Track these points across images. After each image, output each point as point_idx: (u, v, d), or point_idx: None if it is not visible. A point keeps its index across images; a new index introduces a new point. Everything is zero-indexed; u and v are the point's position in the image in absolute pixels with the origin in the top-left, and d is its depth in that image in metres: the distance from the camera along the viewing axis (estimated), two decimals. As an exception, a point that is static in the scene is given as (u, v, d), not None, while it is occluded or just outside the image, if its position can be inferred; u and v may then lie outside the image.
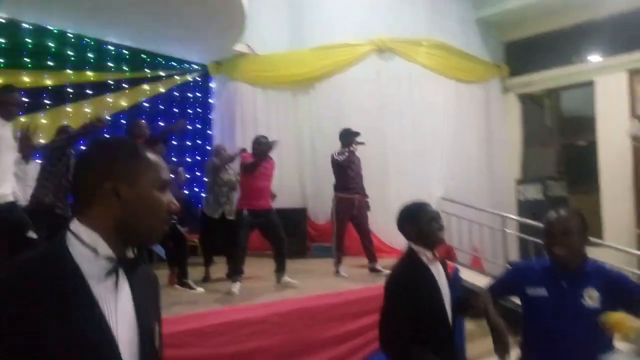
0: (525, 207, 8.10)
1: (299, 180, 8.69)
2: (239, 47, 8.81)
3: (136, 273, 1.14)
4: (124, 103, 8.59)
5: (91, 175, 1.10)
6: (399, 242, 7.95)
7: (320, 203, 8.48)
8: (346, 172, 5.97)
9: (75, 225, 1.08)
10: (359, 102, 8.21)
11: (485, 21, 9.53)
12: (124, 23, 7.66)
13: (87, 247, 1.05)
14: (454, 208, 7.82)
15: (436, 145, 8.38)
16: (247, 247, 4.96)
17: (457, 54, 8.93)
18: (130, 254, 1.13)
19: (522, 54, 9.81)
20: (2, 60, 7.26)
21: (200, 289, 4.40)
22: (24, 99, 6.13)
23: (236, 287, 4.59)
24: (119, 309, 1.07)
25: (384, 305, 2.35)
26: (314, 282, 5.21)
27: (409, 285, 2.29)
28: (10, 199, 3.61)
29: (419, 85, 8.37)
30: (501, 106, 9.82)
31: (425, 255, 2.35)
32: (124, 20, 7.52)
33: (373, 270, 5.76)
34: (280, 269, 4.95)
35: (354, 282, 5.28)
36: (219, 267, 5.77)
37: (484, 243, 8.02)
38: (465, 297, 2.52)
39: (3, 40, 7.28)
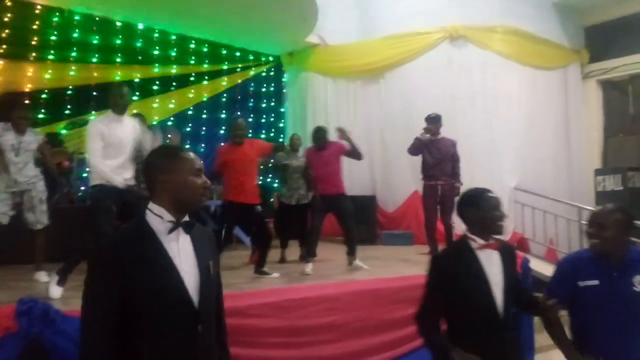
0: (604, 199, 7.79)
1: (368, 169, 8.83)
2: (311, 39, 9.06)
3: (195, 230, 1.73)
4: (204, 95, 9.10)
5: (149, 172, 1.72)
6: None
7: (390, 191, 8.62)
8: (424, 158, 6.05)
9: (150, 203, 1.70)
10: (429, 91, 8.19)
11: (563, 5, 9.16)
12: (205, 19, 8.09)
13: (156, 215, 1.67)
14: (528, 198, 7.68)
15: (510, 134, 8.21)
16: (320, 231, 5.22)
17: (533, 39, 8.66)
18: (186, 218, 1.71)
19: (603, 38, 9.35)
20: (96, 56, 7.93)
21: (275, 274, 4.68)
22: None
23: (309, 267, 4.86)
24: (180, 251, 1.67)
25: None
26: (383, 267, 5.37)
27: (445, 270, 2.32)
28: (132, 182, 4.06)
29: (492, 73, 8.21)
30: (580, 93, 9.44)
31: (476, 242, 2.32)
32: (204, 16, 7.95)
33: None
34: (351, 253, 5.15)
35: (421, 268, 5.35)
36: (292, 250, 6.08)
37: (559, 234, 7.81)
38: (535, 298, 2.48)
39: (97, 37, 7.95)
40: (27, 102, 6.97)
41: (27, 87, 7.24)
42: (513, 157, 8.21)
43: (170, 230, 1.65)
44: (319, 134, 5.34)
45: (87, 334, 1.55)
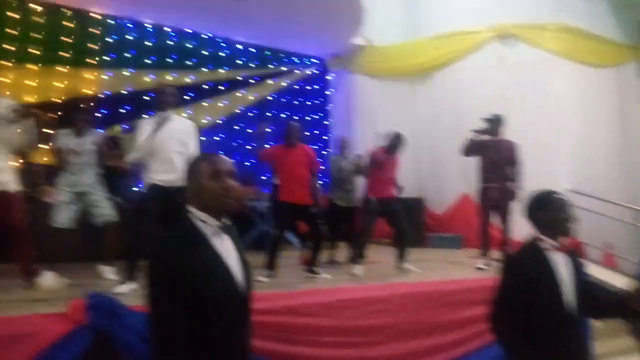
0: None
1: (416, 170, 8.78)
2: (356, 40, 9.09)
3: (230, 230, 1.81)
4: (251, 97, 9.28)
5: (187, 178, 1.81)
6: (521, 233, 7.79)
7: (438, 193, 8.54)
8: (480, 160, 5.89)
9: (190, 207, 1.76)
10: (479, 91, 8.08)
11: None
12: (252, 23, 8.25)
13: (200, 220, 1.73)
14: (583, 201, 7.44)
15: (563, 134, 7.98)
16: (370, 233, 5.25)
17: (587, 36, 8.39)
18: (223, 220, 1.78)
19: (661, 33, 8.94)
20: (150, 62, 8.23)
21: (326, 275, 4.74)
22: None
23: (359, 269, 4.89)
24: (225, 250, 1.75)
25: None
26: (433, 270, 5.34)
27: (519, 270, 2.33)
28: (180, 183, 4.16)
29: (544, 72, 8.01)
30: (636, 91, 9.06)
31: (550, 244, 2.34)
32: (252, 20, 8.11)
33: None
34: (401, 255, 5.15)
35: (472, 272, 5.30)
36: (341, 252, 6.13)
37: (617, 239, 7.53)
38: (615, 297, 2.44)
39: (150, 44, 8.25)
40: (86, 105, 7.29)
41: (87, 92, 7.58)
42: (567, 158, 7.99)
43: (217, 233, 1.74)
44: (399, 142, 5.32)
45: (164, 332, 1.60)
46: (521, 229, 6.30)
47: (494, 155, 5.72)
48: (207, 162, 1.77)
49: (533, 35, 8.15)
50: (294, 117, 9.66)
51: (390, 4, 8.99)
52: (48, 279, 3.54)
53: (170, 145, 4.04)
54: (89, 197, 4.70)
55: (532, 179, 7.39)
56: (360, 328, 3.53)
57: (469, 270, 5.40)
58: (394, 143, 5.32)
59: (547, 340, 2.26)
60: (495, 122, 5.85)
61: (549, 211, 2.35)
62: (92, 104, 7.51)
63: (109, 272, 4.58)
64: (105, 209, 4.78)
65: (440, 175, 8.50)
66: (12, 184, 3.70)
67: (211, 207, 1.74)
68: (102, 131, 5.65)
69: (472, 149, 5.82)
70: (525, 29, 8.16)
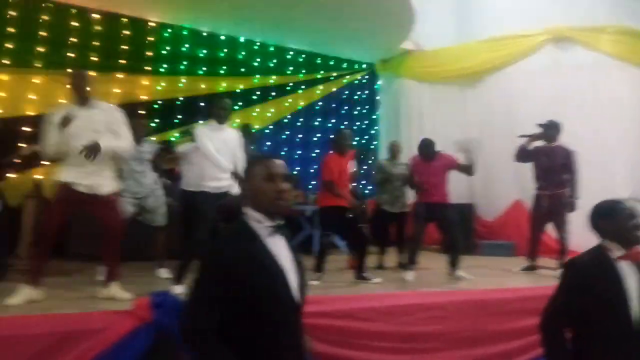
0: None
1: (466, 176, 8.60)
2: (406, 44, 9.02)
3: (284, 231, 1.84)
4: (301, 103, 9.35)
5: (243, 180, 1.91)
6: (578, 241, 7.50)
7: (490, 200, 8.34)
8: (533, 167, 5.76)
9: (246, 209, 1.82)
10: (533, 95, 7.87)
11: (683, -1, 8.41)
12: (302, 29, 8.34)
13: (255, 220, 1.79)
14: (643, 208, 7.10)
15: (623, 140, 7.64)
16: (421, 239, 5.18)
17: (647, 39, 8.03)
18: (277, 221, 1.82)
19: None
20: (203, 69, 8.42)
21: (377, 279, 4.70)
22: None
23: (410, 275, 4.83)
24: (280, 252, 1.79)
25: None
26: (486, 278, 5.22)
27: (582, 277, 2.27)
28: (227, 189, 4.27)
29: (602, 75, 7.70)
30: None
31: (618, 253, 2.28)
32: (302, 26, 8.20)
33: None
34: (453, 262, 5.05)
35: (529, 280, 5.15)
36: (390, 257, 6.07)
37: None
38: None
39: (204, 51, 8.45)
40: (142, 112, 7.52)
41: (142, 98, 7.82)
42: (626, 163, 7.64)
43: (271, 234, 1.78)
44: (429, 147, 5.28)
45: (192, 318, 1.68)
46: (580, 238, 6.17)
47: (548, 162, 5.59)
48: (262, 165, 1.83)
49: (589, 38, 7.87)
50: (343, 124, 9.69)
51: (441, 8, 8.88)
52: (115, 291, 3.62)
53: (222, 155, 4.19)
54: (148, 203, 4.86)
55: (590, 185, 7.18)
56: (416, 334, 3.48)
57: (525, 279, 5.24)
58: (425, 149, 5.28)
59: (608, 356, 2.18)
60: (550, 128, 5.71)
61: (615, 220, 2.31)
62: (146, 110, 7.72)
63: (163, 272, 4.72)
64: (160, 216, 4.95)
65: (491, 181, 8.29)
66: (106, 187, 3.76)
67: (265, 209, 1.79)
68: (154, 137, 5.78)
69: (523, 155, 5.73)
70: (581, 32, 7.89)
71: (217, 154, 4.19)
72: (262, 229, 1.78)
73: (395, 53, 9.28)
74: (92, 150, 3.52)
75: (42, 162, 6.91)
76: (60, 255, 6.35)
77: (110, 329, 2.47)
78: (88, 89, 3.80)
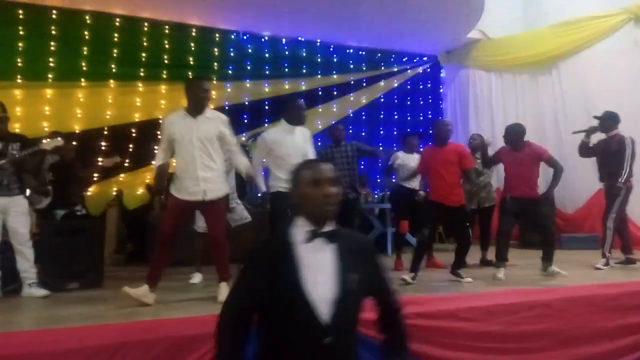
0: None
1: (541, 167, 8.25)
2: (472, 34, 8.76)
3: (345, 240, 1.73)
4: (363, 100, 9.28)
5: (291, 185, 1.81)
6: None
7: (568, 191, 7.94)
8: (597, 161, 5.64)
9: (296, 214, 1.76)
10: (610, 79, 7.47)
11: None
12: (364, 26, 8.24)
13: (298, 226, 1.72)
14: None
15: None
16: (510, 234, 4.97)
17: None
18: (327, 227, 1.71)
19: None
20: (267, 72, 8.50)
21: (469, 279, 4.54)
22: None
23: (501, 272, 4.64)
24: (319, 262, 1.66)
25: None
26: (576, 272, 4.95)
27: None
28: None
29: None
30: None
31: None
32: (364, 23, 8.10)
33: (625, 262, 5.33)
34: (547, 258, 4.80)
35: (620, 274, 4.84)
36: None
37: None
38: None
39: (267, 54, 8.53)
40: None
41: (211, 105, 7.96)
42: None
43: (308, 240, 1.67)
44: (518, 134, 4.99)
45: (222, 315, 1.74)
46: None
47: (603, 153, 5.51)
48: (308, 170, 1.75)
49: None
50: (407, 117, 9.55)
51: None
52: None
53: (294, 155, 4.17)
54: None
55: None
56: (521, 334, 3.31)
57: (621, 273, 4.93)
58: (515, 137, 4.98)
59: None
60: (605, 120, 5.52)
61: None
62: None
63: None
64: (239, 213, 4.98)
65: (569, 172, 7.78)
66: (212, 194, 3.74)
67: (313, 214, 1.71)
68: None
69: (585, 150, 5.62)
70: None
71: (289, 156, 4.22)
72: (301, 235, 1.69)
73: (460, 43, 9.02)
74: None
75: (122, 173, 7.22)
76: (141, 262, 6.60)
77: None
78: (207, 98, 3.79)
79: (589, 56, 7.83)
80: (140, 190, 7.42)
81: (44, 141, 4.17)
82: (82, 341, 2.37)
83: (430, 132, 4.98)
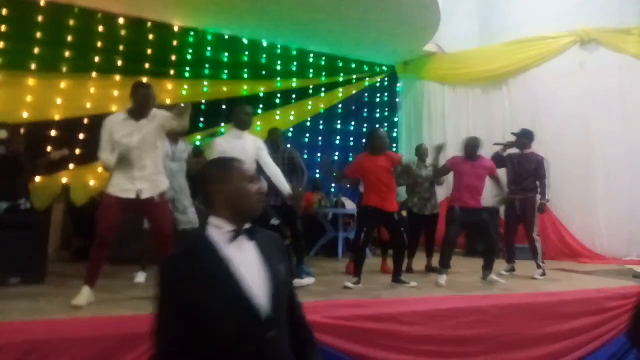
0: None
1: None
2: (428, 47, 9.00)
3: (260, 236, 1.72)
4: (321, 106, 9.36)
5: (204, 185, 1.74)
6: (604, 245, 7.46)
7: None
8: (506, 172, 5.98)
9: (210, 216, 1.70)
10: (558, 96, 7.87)
11: None
12: (325, 32, 8.33)
13: (216, 227, 1.67)
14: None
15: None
16: (455, 243, 5.16)
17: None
18: (246, 225, 1.70)
19: None
20: (226, 72, 8.46)
21: (413, 283, 4.68)
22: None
23: (443, 279, 4.80)
24: (245, 260, 1.63)
25: None
26: (516, 281, 5.18)
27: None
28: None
29: (630, 77, 7.62)
30: None
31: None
32: (324, 30, 8.20)
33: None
34: (487, 266, 5.01)
35: (556, 284, 5.10)
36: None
37: None
38: None
39: (226, 55, 8.49)
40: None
41: (167, 102, 7.85)
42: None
43: (231, 239, 1.65)
44: (476, 147, 5.25)
45: (155, 339, 1.58)
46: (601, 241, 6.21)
47: (519, 168, 5.85)
48: (239, 166, 1.76)
49: (616, 40, 7.80)
50: (363, 127, 9.67)
51: (464, 11, 8.88)
52: None
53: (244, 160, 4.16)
54: (176, 203, 4.86)
55: (618, 189, 7.18)
56: (459, 338, 3.45)
57: (561, 283, 5.19)
58: (471, 146, 5.21)
59: None
60: (522, 137, 5.98)
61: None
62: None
63: None
64: (191, 216, 4.95)
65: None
66: (150, 191, 3.77)
67: (242, 211, 1.70)
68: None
69: (497, 160, 5.85)
70: (608, 34, 7.83)
71: None
72: (222, 236, 1.66)
73: (418, 55, 9.27)
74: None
75: (69, 166, 7.01)
76: (87, 259, 6.42)
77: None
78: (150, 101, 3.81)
79: (538, 74, 8.19)
80: (92, 182, 7.24)
81: (-13, 132, 4.03)
82: (20, 335, 2.32)
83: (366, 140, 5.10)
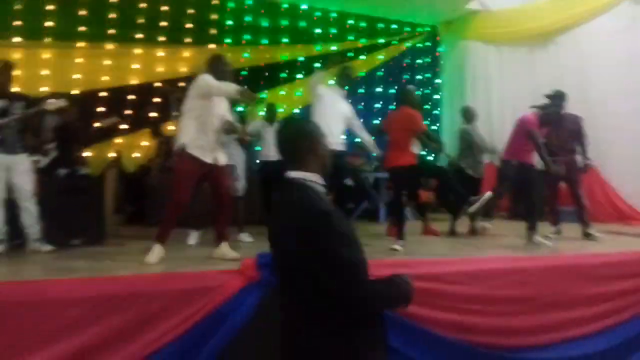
0: None
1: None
2: (472, 5, 8.75)
3: None
4: (362, 70, 9.26)
5: (301, 143, 1.91)
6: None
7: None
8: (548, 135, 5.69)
9: (300, 172, 1.89)
10: (608, 55, 7.52)
11: None
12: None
13: (314, 182, 1.88)
14: None
15: None
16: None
17: None
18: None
19: None
20: (265, 38, 8.48)
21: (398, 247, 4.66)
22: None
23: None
24: None
25: None
26: (562, 244, 5.15)
27: None
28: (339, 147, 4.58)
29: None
30: None
31: None
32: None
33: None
34: (531, 227, 4.97)
35: (602, 246, 5.04)
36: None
37: None
38: None
39: (266, 20, 8.48)
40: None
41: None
42: None
43: (327, 194, 1.93)
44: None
45: (358, 272, 1.78)
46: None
47: (559, 129, 5.65)
48: (318, 131, 1.98)
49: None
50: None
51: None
52: (226, 250, 3.84)
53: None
54: (234, 170, 5.05)
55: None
56: (502, 297, 3.50)
57: (608, 244, 5.13)
58: (551, 115, 5.17)
59: None
60: (557, 98, 5.60)
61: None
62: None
63: (244, 236, 4.97)
64: (240, 183, 5.15)
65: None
66: (222, 158, 3.94)
67: (326, 169, 1.95)
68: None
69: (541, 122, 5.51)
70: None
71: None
72: (322, 190, 1.89)
73: (460, 14, 9.01)
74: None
75: (119, 135, 7.30)
76: (140, 223, 6.75)
77: (223, 287, 2.64)
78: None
79: (587, 32, 7.85)
80: (137, 154, 7.53)
81: (48, 101, 4.24)
82: (91, 290, 2.52)
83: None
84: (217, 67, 3.90)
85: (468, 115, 6.25)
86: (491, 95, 8.70)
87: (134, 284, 2.64)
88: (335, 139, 4.55)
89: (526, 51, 8.58)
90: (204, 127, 3.80)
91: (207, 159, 3.79)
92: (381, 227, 6.58)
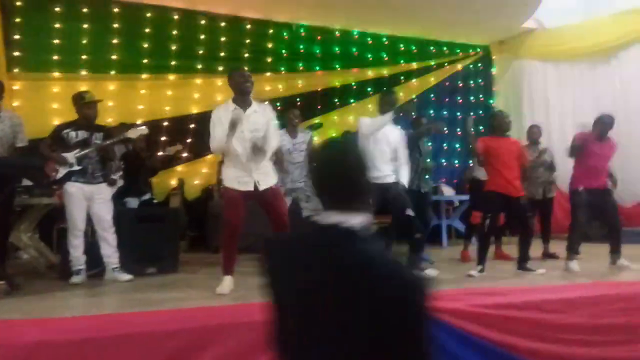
0: None
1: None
2: (527, 23, 8.60)
3: None
4: (413, 93, 9.18)
5: (356, 174, 1.33)
6: None
7: (627, 184, 7.73)
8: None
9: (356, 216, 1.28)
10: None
11: None
12: (417, 16, 8.14)
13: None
14: None
15: None
16: (584, 227, 4.94)
17: None
18: None
19: None
20: (319, 64, 8.53)
21: (541, 270, 4.52)
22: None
23: (575, 265, 4.61)
24: None
25: None
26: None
27: None
28: (391, 180, 4.42)
29: None
30: None
31: None
32: (417, 13, 8.01)
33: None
34: (615, 250, 4.75)
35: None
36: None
37: None
38: None
39: (319, 47, 8.54)
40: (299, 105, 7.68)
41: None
42: None
43: None
44: (610, 125, 4.89)
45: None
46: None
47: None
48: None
49: None
50: (457, 113, 9.40)
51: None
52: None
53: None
54: (299, 193, 5.02)
55: None
56: (604, 326, 3.30)
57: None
58: (604, 125, 4.90)
59: None
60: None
61: None
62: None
63: None
64: (314, 203, 5.09)
65: (629, 164, 7.70)
66: (265, 182, 3.89)
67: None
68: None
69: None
70: None
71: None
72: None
73: (515, 33, 8.86)
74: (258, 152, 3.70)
75: (183, 161, 7.42)
76: (201, 248, 6.80)
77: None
78: (250, 88, 3.92)
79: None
80: (197, 181, 7.63)
81: (130, 130, 4.33)
82: (171, 324, 2.49)
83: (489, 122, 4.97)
84: None
85: (531, 135, 6.09)
86: (550, 113, 8.47)
87: (215, 315, 2.60)
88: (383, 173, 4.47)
89: (586, 67, 8.35)
90: (232, 157, 3.81)
91: (243, 187, 3.76)
92: (445, 251, 6.43)
